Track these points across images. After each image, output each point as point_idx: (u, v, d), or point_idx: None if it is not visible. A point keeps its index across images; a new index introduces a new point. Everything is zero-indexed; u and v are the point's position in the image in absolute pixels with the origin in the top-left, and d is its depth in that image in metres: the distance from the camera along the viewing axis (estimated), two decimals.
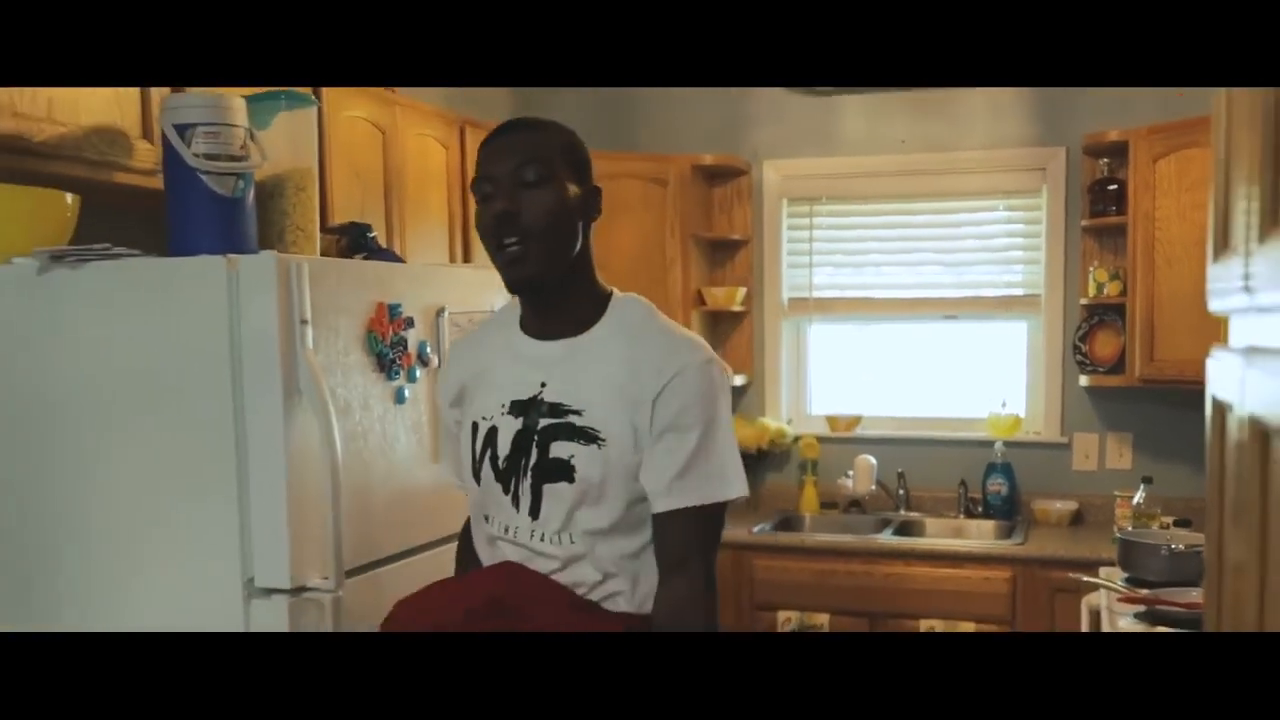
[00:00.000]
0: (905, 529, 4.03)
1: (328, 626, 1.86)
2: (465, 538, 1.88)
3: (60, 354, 1.92)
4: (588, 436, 1.63)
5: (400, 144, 3.06)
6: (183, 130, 1.95)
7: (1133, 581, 2.96)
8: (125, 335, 1.89)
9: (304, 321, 1.82)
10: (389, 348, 2.05)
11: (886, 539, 3.85)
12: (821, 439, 4.28)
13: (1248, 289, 0.94)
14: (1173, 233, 3.53)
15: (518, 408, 1.68)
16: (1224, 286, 1.06)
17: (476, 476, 1.72)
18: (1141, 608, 2.71)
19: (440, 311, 2.21)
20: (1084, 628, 3.00)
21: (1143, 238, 3.61)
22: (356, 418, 1.99)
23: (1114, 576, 3.04)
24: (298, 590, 1.84)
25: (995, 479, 4.06)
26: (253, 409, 1.81)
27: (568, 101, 4.34)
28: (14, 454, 1.95)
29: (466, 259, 3.35)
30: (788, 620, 3.78)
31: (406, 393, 2.12)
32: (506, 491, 1.69)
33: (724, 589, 3.71)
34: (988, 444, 4.09)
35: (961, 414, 4.26)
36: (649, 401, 1.62)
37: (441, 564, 2.15)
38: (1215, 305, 1.13)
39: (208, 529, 1.85)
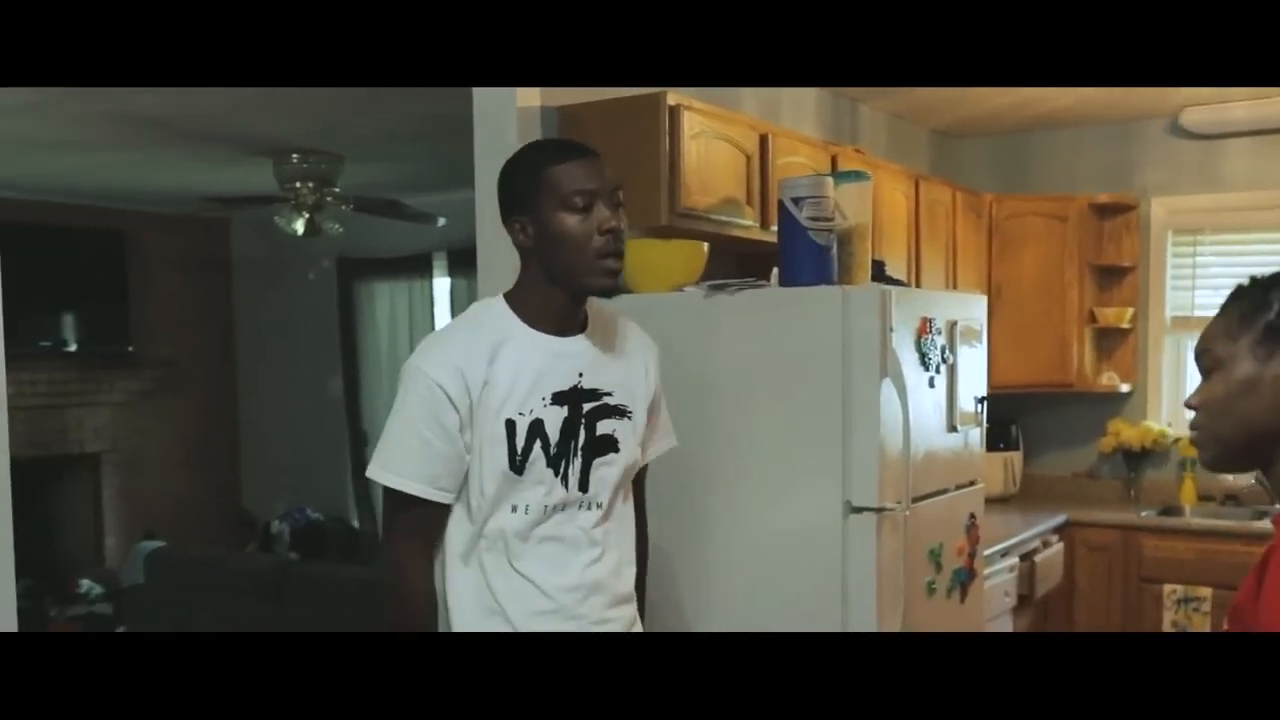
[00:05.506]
0: None
1: (900, 539, 2.76)
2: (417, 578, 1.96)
3: (716, 352, 2.91)
4: (621, 412, 2.00)
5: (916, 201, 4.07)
6: (797, 201, 2.90)
7: None
8: (762, 339, 2.85)
9: (890, 329, 2.74)
10: (927, 348, 2.94)
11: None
12: None
13: None
14: None
15: (560, 398, 1.93)
16: None
17: (519, 469, 1.90)
18: None
19: (954, 324, 3.08)
20: None
21: None
22: (909, 395, 2.89)
23: None
24: (881, 509, 2.75)
25: None
26: (856, 386, 2.73)
27: (977, 146, 5.18)
28: (684, 421, 2.66)
29: (954, 286, 4.32)
30: (1173, 591, 4.43)
31: (935, 381, 3.00)
32: (558, 474, 1.94)
33: (1113, 566, 4.48)
34: None
35: None
36: (651, 378, 2.10)
37: (956, 506, 3.03)
38: None
39: (821, 468, 2.77)
